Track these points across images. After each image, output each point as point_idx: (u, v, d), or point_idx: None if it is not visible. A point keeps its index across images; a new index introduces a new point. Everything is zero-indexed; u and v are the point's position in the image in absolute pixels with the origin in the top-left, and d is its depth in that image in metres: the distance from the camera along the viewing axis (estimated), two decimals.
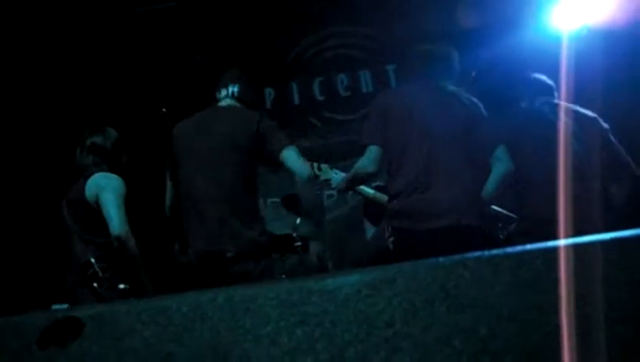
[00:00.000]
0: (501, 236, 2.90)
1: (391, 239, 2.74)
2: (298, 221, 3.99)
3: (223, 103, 2.86)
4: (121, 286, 2.78)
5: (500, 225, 2.96)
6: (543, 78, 2.98)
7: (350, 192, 3.82)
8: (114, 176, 2.95)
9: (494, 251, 0.97)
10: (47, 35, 4.39)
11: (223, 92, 2.87)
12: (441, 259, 0.97)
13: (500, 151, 2.75)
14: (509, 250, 0.97)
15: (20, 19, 4.20)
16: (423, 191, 2.65)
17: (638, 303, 0.91)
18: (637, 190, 2.72)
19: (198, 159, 2.70)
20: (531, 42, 3.56)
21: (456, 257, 0.97)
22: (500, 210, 2.98)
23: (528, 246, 0.97)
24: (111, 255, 2.83)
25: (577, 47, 2.79)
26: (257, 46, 4.90)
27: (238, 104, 2.85)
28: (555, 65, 2.79)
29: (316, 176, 3.30)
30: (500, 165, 2.74)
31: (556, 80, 2.86)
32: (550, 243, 0.98)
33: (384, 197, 3.19)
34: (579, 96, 2.83)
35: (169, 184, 2.80)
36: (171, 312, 0.94)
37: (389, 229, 2.75)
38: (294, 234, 3.91)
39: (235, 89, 2.86)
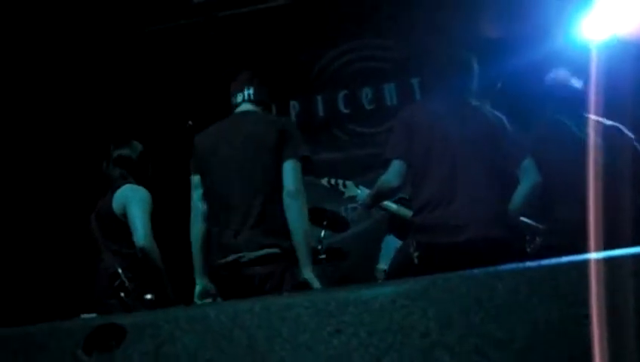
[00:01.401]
0: (529, 249, 2.88)
1: (416, 254, 2.73)
2: (322, 233, 4.02)
3: (242, 108, 2.77)
4: (148, 296, 2.81)
5: (528, 237, 2.94)
6: (572, 87, 2.94)
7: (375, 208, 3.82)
8: (140, 188, 3.01)
9: (528, 263, 0.98)
10: (74, 50, 4.49)
11: (239, 97, 2.79)
12: (475, 271, 0.98)
13: (528, 163, 2.72)
14: (543, 262, 0.98)
15: (48, 34, 4.31)
16: (448, 205, 2.63)
17: None
18: None
19: (225, 166, 2.63)
20: (560, 53, 3.54)
21: (491, 269, 0.98)
22: (526, 220, 2.96)
23: (562, 259, 0.98)
24: (137, 266, 2.87)
25: (607, 57, 2.76)
26: (283, 59, 4.96)
27: (256, 107, 2.77)
28: (584, 75, 2.78)
29: (342, 193, 3.33)
30: (528, 177, 2.72)
31: (585, 91, 2.83)
32: (583, 256, 0.98)
33: (408, 212, 3.19)
34: (608, 107, 2.81)
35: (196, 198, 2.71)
36: (210, 320, 0.96)
37: (414, 243, 2.74)
38: (319, 247, 3.93)
39: (251, 92, 2.76)
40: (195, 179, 2.71)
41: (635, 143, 2.79)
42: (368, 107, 5.04)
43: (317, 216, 4.03)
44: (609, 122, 2.83)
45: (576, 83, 2.92)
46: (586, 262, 0.97)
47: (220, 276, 2.58)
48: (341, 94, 5.12)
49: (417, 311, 0.94)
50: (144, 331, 0.94)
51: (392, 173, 2.71)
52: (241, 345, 0.93)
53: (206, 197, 2.68)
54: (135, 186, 3.00)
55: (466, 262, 2.28)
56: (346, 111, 5.10)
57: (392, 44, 5.00)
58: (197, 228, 2.68)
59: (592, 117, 2.83)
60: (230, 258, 2.51)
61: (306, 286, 2.43)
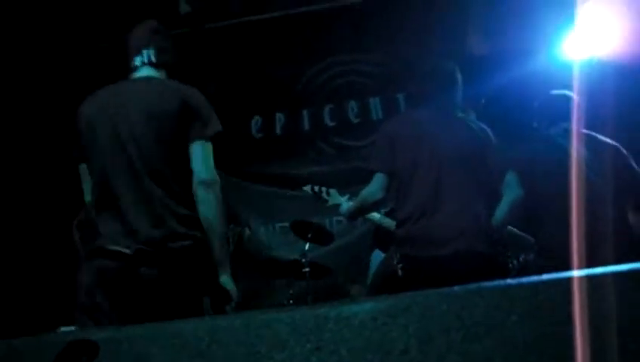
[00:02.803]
0: (514, 262, 2.88)
1: (399, 266, 2.72)
2: (307, 246, 4.00)
3: (140, 73, 2.23)
4: None
5: (509, 253, 2.94)
6: (561, 101, 2.97)
7: (359, 219, 3.82)
8: None
9: (509, 281, 0.98)
10: (64, 58, 4.47)
11: (138, 59, 2.23)
12: (456, 288, 0.98)
13: (510, 178, 2.74)
14: (524, 279, 0.97)
15: (36, 41, 4.29)
16: (432, 217, 2.63)
17: None
18: None
19: (113, 147, 2.09)
20: (542, 70, 3.59)
21: (472, 286, 0.97)
22: (516, 231, 2.97)
23: (543, 277, 0.97)
24: None
25: (588, 76, 2.80)
26: (269, 72, 4.97)
27: (157, 72, 2.24)
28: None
29: (325, 201, 3.31)
30: (510, 192, 2.73)
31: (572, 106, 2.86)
32: (564, 274, 0.98)
33: (392, 223, 3.19)
34: (590, 123, 2.84)
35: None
36: (187, 336, 0.94)
37: (398, 256, 2.74)
38: (302, 260, 3.91)
39: (152, 53, 2.22)
40: (82, 168, 2.20)
41: (629, 158, 2.81)
42: (354, 121, 5.06)
43: (302, 228, 4.01)
44: (605, 139, 2.85)
45: (565, 98, 2.95)
46: (567, 280, 0.97)
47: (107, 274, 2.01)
48: (327, 108, 5.13)
49: (398, 329, 0.93)
50: (119, 347, 0.92)
51: (376, 186, 2.71)
52: (218, 361, 0.92)
53: (95, 184, 2.12)
54: None
55: (449, 275, 2.28)
56: (331, 124, 5.11)
57: (378, 58, 5.03)
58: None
59: (586, 132, 2.85)
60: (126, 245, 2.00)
61: (225, 293, 2.02)
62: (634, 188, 2.74)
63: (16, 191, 4.39)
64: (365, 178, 2.81)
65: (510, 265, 2.88)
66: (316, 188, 3.40)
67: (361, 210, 2.95)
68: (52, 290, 3.96)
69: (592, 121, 2.83)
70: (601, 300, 0.95)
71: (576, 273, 0.99)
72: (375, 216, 3.41)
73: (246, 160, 5.06)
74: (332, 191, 3.36)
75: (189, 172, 2.07)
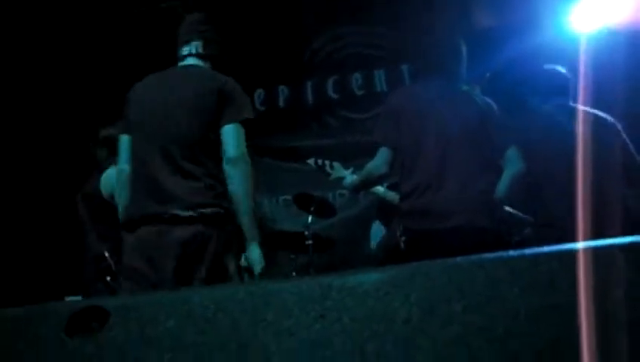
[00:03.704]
0: (514, 240, 2.90)
1: (402, 238, 2.74)
2: (309, 219, 4.02)
3: (186, 62, 2.48)
4: None
5: (514, 228, 2.96)
6: (557, 74, 2.95)
7: (362, 192, 3.83)
8: None
9: (511, 252, 0.99)
10: (59, 30, 4.44)
11: (185, 49, 2.48)
12: (458, 259, 0.99)
13: (511, 152, 2.74)
14: (526, 251, 0.98)
15: (34, 12, 4.25)
16: (435, 191, 2.65)
17: None
18: None
19: (154, 127, 2.35)
20: (549, 44, 3.54)
21: (473, 258, 0.98)
22: (513, 211, 2.98)
23: (545, 248, 0.99)
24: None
25: (597, 48, 2.76)
26: (271, 45, 4.93)
27: (203, 63, 2.47)
28: (574, 67, 2.78)
29: (329, 174, 3.33)
30: (511, 166, 2.73)
31: (575, 82, 2.84)
32: (567, 245, 0.99)
33: (395, 197, 3.21)
34: (598, 98, 2.82)
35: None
36: (193, 304, 0.96)
37: (401, 229, 2.75)
38: (306, 233, 3.94)
39: (199, 44, 2.46)
40: (124, 139, 2.42)
41: (624, 135, 2.81)
42: (358, 93, 5.04)
43: (304, 201, 4.04)
44: (602, 114, 2.85)
45: (566, 74, 2.93)
46: (570, 251, 0.98)
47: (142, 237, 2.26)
48: (331, 80, 5.10)
49: (400, 299, 0.95)
50: (128, 314, 0.94)
51: (380, 160, 2.72)
52: (224, 329, 0.94)
53: (134, 157, 2.38)
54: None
55: (451, 249, 2.30)
56: (335, 96, 5.09)
57: (383, 30, 4.98)
58: (125, 194, 2.38)
59: (581, 108, 2.84)
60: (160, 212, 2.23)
61: (249, 271, 2.25)
62: (629, 164, 2.75)
63: (22, 164, 4.41)
64: (369, 151, 2.81)
65: (513, 241, 2.90)
66: (320, 162, 3.42)
67: (365, 184, 2.97)
68: (56, 262, 4.00)
69: (602, 95, 2.81)
70: (603, 272, 0.96)
71: (579, 244, 1.00)
72: (379, 189, 3.43)
73: (249, 133, 5.05)
74: (336, 164, 3.38)
75: (220, 153, 2.30)
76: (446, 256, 1.08)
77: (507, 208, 2.85)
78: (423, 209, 2.64)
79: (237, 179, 2.26)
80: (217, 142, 2.31)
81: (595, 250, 0.94)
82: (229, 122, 2.31)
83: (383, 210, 3.78)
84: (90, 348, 0.89)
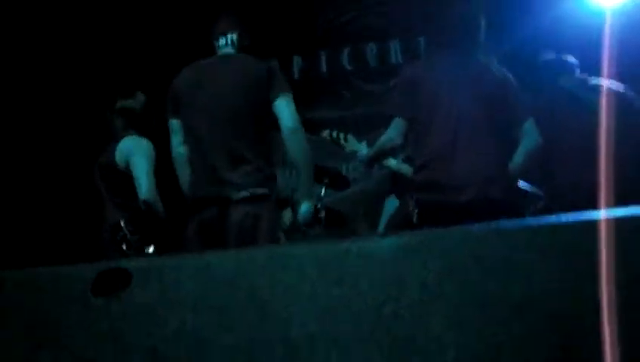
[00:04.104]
0: (528, 212, 2.90)
1: (415, 211, 2.74)
2: (322, 191, 4.03)
3: (225, 51, 2.69)
4: (150, 249, 2.84)
5: (527, 202, 2.95)
6: (565, 56, 2.93)
7: (376, 166, 3.82)
8: (144, 139, 3.00)
9: (529, 220, 0.99)
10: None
11: (222, 40, 2.70)
12: (475, 226, 0.99)
13: (528, 125, 2.71)
14: (544, 219, 0.99)
15: None
16: (449, 164, 2.63)
17: None
18: None
19: (209, 106, 2.52)
20: (571, 17, 3.45)
21: (491, 225, 0.99)
22: (527, 186, 2.97)
23: (563, 216, 0.99)
24: (140, 218, 2.89)
25: (621, 23, 2.69)
26: (286, 14, 4.88)
27: (239, 53, 2.69)
28: (597, 41, 2.72)
29: (343, 147, 3.32)
30: (529, 139, 2.70)
31: (598, 57, 2.78)
32: (586, 213, 0.99)
33: (409, 170, 3.20)
34: (621, 73, 2.77)
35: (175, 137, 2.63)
36: (213, 268, 0.98)
37: (414, 202, 2.75)
38: (318, 205, 3.95)
39: (235, 36, 2.69)
40: (174, 123, 2.62)
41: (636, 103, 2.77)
42: (373, 64, 4.98)
43: (317, 173, 4.04)
44: (621, 87, 2.80)
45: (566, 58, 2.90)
46: (589, 220, 0.98)
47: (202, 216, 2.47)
48: (345, 51, 5.05)
49: (417, 264, 0.96)
50: (149, 276, 0.96)
51: (394, 132, 2.70)
52: (243, 292, 0.95)
53: (187, 140, 2.58)
54: (138, 138, 2.99)
55: (465, 222, 2.30)
56: (349, 68, 5.04)
57: (400, 1, 4.90)
58: (185, 174, 2.62)
59: (604, 82, 2.80)
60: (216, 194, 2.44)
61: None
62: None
63: (40, 132, 4.45)
64: (384, 123, 2.80)
65: (525, 214, 2.89)
66: (334, 134, 3.40)
67: (379, 156, 2.96)
68: (74, 231, 4.06)
69: (626, 70, 2.76)
70: (625, 241, 0.96)
71: (596, 213, 1.00)
72: (392, 162, 3.41)
73: None
74: (350, 136, 3.36)
75: (269, 131, 2.54)
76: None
77: (521, 182, 2.84)
78: (436, 181, 2.62)
79: (298, 146, 2.47)
80: (267, 123, 2.51)
81: (613, 218, 0.94)
82: (281, 95, 2.48)
83: (397, 184, 3.78)
84: (114, 307, 0.91)
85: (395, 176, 3.69)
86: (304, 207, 2.54)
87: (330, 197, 4.23)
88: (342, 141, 3.38)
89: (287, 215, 2.90)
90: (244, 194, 2.40)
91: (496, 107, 2.69)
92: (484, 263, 0.97)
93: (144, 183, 2.80)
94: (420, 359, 0.88)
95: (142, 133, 3.05)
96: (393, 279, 0.95)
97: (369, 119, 4.57)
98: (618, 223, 0.93)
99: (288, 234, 2.70)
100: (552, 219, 0.97)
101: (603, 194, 2.15)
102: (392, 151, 2.91)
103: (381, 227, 3.91)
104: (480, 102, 2.67)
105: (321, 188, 3.98)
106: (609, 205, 2.10)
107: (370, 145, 3.14)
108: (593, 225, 0.92)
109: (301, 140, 2.50)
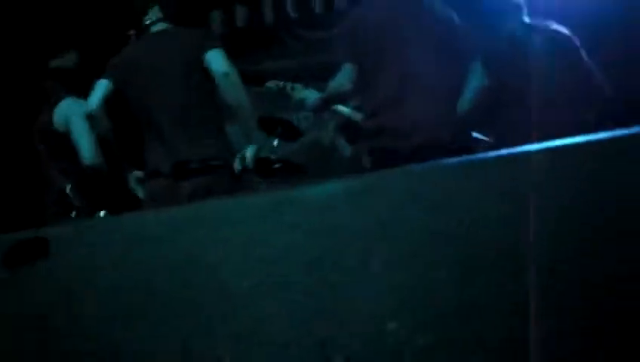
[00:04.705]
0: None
1: (368, 158, 2.75)
2: (275, 142, 3.97)
3: (157, 28, 2.65)
4: (101, 213, 2.76)
5: (475, 146, 2.98)
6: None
7: (326, 113, 3.78)
8: (81, 101, 2.87)
9: (463, 158, 0.98)
10: None
11: (147, 19, 2.66)
12: (413, 166, 0.98)
13: (475, 66, 2.72)
14: (476, 156, 0.98)
15: None
16: (399, 108, 2.63)
17: (599, 205, 0.93)
18: (609, 113, 2.73)
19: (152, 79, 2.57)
20: None
21: (428, 164, 0.98)
22: (474, 132, 3.00)
23: (497, 153, 0.98)
24: (87, 182, 2.81)
25: None
26: None
27: (170, 24, 2.66)
28: None
29: (290, 96, 3.26)
30: (474, 78, 2.72)
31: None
32: (517, 149, 0.99)
33: (360, 116, 3.18)
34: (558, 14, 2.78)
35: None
36: (148, 227, 0.95)
37: (366, 148, 2.76)
38: (272, 157, 3.90)
39: (157, 10, 2.66)
40: (103, 83, 2.61)
41: (583, 54, 2.79)
42: (318, 11, 4.86)
43: (268, 124, 3.97)
44: (559, 28, 2.81)
45: None
46: (520, 155, 0.98)
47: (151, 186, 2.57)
48: None
49: (358, 209, 0.94)
50: (71, 242, 0.92)
51: (343, 77, 2.67)
52: (181, 247, 0.93)
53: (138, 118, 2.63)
54: (75, 100, 2.87)
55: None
56: (295, 15, 4.91)
57: None
58: (90, 138, 2.69)
59: (541, 24, 2.80)
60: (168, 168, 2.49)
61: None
62: (585, 82, 2.75)
63: None
64: (332, 72, 2.76)
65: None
66: (281, 84, 3.34)
67: (328, 102, 2.94)
68: (17, 199, 3.92)
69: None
70: (555, 172, 0.96)
71: (531, 147, 1.00)
72: (344, 109, 3.38)
73: None
74: (297, 85, 3.30)
75: (214, 103, 2.58)
76: None
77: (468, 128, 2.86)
78: (387, 127, 2.63)
79: (232, 90, 2.52)
80: (213, 95, 2.55)
81: (546, 153, 0.94)
82: (210, 50, 2.51)
83: (349, 131, 3.76)
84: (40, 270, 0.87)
85: (346, 123, 3.66)
86: (249, 152, 2.60)
87: (284, 149, 4.17)
88: (288, 90, 3.32)
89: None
90: (194, 166, 2.45)
91: (442, 49, 2.67)
92: (423, 202, 0.97)
93: (86, 148, 2.71)
94: (361, 301, 0.88)
95: (79, 94, 2.91)
96: (334, 226, 0.94)
97: (316, 68, 4.49)
98: (545, 155, 0.93)
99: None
100: (487, 155, 0.97)
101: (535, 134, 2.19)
102: (342, 97, 2.88)
103: (335, 176, 3.91)
104: (427, 43, 2.65)
105: (274, 139, 3.92)
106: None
107: (319, 93, 3.10)
108: (527, 159, 0.92)
109: (235, 84, 2.54)
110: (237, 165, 2.60)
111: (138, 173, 2.79)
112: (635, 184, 0.89)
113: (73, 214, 2.83)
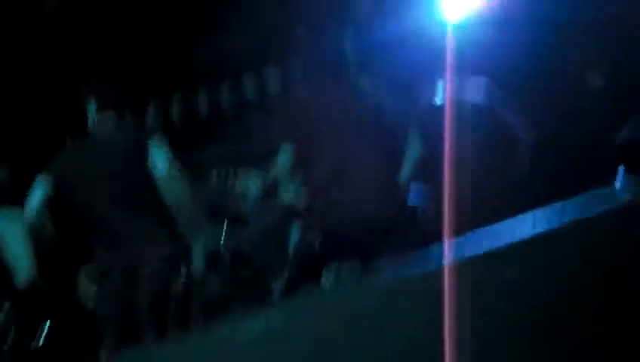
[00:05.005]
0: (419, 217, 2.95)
1: (316, 240, 2.76)
2: (223, 233, 3.88)
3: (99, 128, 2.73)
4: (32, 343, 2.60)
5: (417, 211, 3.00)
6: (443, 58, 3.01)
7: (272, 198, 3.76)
8: (17, 211, 2.72)
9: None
10: None
11: (89, 112, 2.73)
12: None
13: (412, 137, 2.81)
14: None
15: None
16: (339, 188, 2.67)
17: None
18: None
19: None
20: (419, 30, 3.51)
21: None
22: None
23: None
24: (24, 302, 2.67)
25: (464, 36, 2.82)
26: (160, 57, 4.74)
27: (109, 117, 2.73)
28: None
29: (232, 186, 3.24)
30: (412, 150, 2.81)
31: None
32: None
33: (303, 197, 3.17)
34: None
35: None
36: None
37: (312, 230, 2.76)
38: (221, 250, 3.80)
39: (95, 103, 2.71)
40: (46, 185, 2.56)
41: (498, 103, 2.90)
42: (250, 97, 4.91)
43: (215, 214, 3.90)
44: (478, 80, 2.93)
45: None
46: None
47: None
48: (223, 86, 4.96)
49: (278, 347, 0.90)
50: None
51: (283, 157, 2.72)
52: None
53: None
54: (9, 211, 2.73)
55: (363, 243, 2.34)
56: (229, 103, 4.95)
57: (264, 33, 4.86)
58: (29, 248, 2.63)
59: (462, 80, 2.91)
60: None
61: None
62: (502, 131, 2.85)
63: None
64: (272, 153, 2.79)
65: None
66: (222, 173, 3.34)
67: (273, 187, 2.97)
68: None
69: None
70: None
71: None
72: (287, 193, 3.38)
73: None
74: (240, 171, 3.31)
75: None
76: (360, 251, 1.05)
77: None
78: (330, 208, 2.66)
79: (172, 188, 2.62)
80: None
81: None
82: (152, 146, 2.65)
83: (296, 213, 3.73)
84: None
85: (292, 206, 3.64)
86: (196, 252, 2.75)
87: (232, 239, 4.11)
88: (231, 178, 3.33)
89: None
90: (149, 268, 2.48)
91: (374, 125, 2.75)
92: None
93: (22, 268, 2.58)
94: None
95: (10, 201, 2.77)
96: None
97: (256, 151, 4.49)
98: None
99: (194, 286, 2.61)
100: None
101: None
102: (284, 179, 2.91)
103: (288, 261, 3.85)
104: (359, 123, 2.73)
105: (221, 231, 3.85)
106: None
107: (261, 175, 3.10)
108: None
109: (173, 183, 2.60)
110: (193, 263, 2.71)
111: (91, 269, 2.66)
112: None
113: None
